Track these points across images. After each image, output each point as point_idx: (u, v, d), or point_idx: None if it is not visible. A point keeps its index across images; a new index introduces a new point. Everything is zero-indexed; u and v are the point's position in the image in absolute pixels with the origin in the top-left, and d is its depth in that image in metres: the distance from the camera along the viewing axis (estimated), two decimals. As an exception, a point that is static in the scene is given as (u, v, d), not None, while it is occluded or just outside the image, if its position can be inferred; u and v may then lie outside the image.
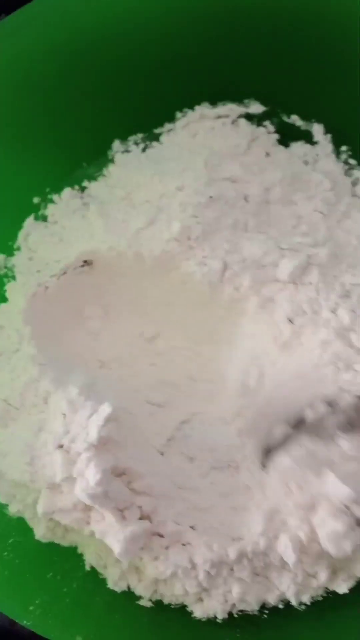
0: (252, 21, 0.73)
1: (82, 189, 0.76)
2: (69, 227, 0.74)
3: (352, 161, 0.75)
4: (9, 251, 0.75)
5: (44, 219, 0.75)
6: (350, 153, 0.75)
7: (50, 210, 0.75)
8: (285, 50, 0.74)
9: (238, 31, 0.74)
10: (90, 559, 0.67)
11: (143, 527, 0.62)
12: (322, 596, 0.65)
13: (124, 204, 0.74)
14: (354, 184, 0.74)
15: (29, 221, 0.75)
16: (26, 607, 0.64)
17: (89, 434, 0.62)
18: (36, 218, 0.75)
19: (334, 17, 0.73)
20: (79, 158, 0.76)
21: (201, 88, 0.76)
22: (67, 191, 0.76)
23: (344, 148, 0.75)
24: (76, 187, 0.76)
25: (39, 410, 0.67)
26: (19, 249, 0.75)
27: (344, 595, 0.65)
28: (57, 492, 0.64)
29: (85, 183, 0.76)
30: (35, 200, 0.75)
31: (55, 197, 0.75)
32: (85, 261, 0.73)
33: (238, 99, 0.76)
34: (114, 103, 0.76)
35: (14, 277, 0.74)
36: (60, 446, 0.63)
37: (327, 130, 0.75)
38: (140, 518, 0.63)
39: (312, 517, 0.62)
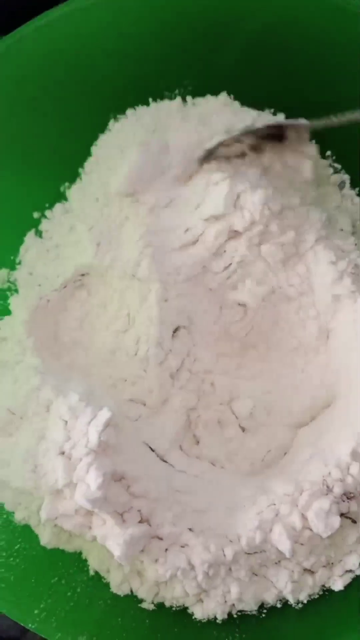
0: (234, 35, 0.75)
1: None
2: (62, 243, 0.76)
3: (337, 165, 0.76)
4: (12, 265, 0.76)
5: (41, 234, 0.77)
6: (334, 157, 0.76)
7: (44, 226, 0.77)
8: (269, 61, 0.76)
9: (223, 41, 0.76)
10: (94, 564, 0.68)
11: (142, 530, 0.64)
12: (318, 594, 0.67)
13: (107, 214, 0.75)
14: (340, 187, 0.76)
15: (30, 236, 0.76)
16: (31, 610, 0.65)
17: (89, 439, 0.64)
18: (36, 233, 0.77)
19: (311, 28, 0.75)
20: (76, 173, 0.78)
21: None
22: (58, 206, 0.77)
23: (328, 153, 0.76)
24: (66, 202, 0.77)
25: (41, 419, 0.68)
26: (20, 263, 0.76)
27: (340, 592, 0.66)
28: (60, 498, 0.66)
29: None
30: (35, 215, 0.77)
31: (48, 212, 0.77)
32: (83, 274, 0.75)
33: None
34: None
35: (17, 290, 0.76)
36: (62, 453, 0.65)
37: (312, 137, 0.75)
38: (140, 521, 0.65)
39: (299, 501, 0.64)
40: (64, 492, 0.65)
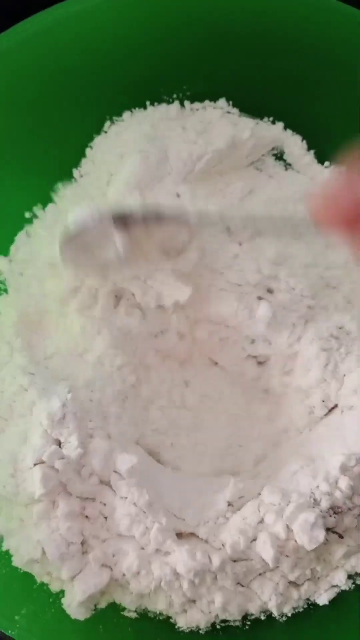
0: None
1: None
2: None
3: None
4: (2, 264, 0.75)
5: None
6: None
7: (34, 225, 0.76)
8: (269, 68, 0.76)
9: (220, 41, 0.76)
10: (77, 570, 0.68)
11: (103, 583, 0.64)
12: (302, 607, 0.66)
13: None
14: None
15: (21, 236, 0.75)
16: (12, 617, 0.64)
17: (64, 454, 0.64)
18: (27, 234, 0.76)
19: (311, 35, 0.75)
20: (70, 174, 0.77)
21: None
22: (51, 207, 0.76)
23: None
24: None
25: (25, 421, 0.68)
26: (10, 263, 0.75)
27: (324, 607, 0.66)
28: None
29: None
30: (27, 215, 0.76)
31: (40, 212, 0.76)
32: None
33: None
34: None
35: (6, 291, 0.75)
36: (41, 462, 0.64)
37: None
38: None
39: (285, 512, 0.64)
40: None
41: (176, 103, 0.77)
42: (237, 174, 0.78)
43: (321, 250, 0.75)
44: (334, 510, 0.65)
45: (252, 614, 0.66)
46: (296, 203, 0.76)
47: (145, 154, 0.73)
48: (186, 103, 0.77)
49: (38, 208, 0.76)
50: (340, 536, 0.66)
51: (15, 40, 0.73)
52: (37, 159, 0.76)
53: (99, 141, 0.77)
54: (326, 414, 0.72)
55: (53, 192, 0.76)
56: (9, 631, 0.64)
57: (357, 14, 0.74)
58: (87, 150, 0.77)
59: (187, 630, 0.66)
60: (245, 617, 0.67)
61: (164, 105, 0.77)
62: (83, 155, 0.77)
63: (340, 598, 0.67)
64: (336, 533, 0.66)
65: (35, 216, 0.76)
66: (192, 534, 0.66)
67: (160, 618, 0.66)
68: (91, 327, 0.71)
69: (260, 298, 0.71)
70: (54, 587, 0.65)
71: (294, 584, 0.66)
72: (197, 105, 0.78)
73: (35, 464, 0.64)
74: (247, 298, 0.71)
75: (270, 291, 0.72)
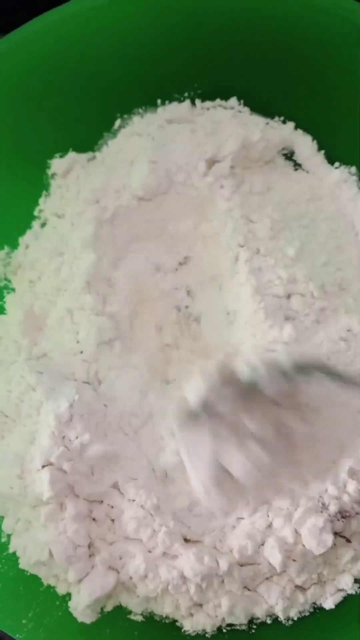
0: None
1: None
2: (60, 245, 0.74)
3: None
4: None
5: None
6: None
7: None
8: (279, 67, 0.76)
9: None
10: (84, 572, 0.68)
11: (110, 586, 0.64)
12: (309, 611, 0.66)
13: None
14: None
15: (29, 234, 0.76)
16: (19, 620, 0.64)
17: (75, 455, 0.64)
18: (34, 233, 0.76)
19: (320, 35, 0.75)
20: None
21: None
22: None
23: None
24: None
25: (33, 422, 0.67)
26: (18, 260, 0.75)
27: (331, 610, 0.66)
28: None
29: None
30: (36, 212, 0.76)
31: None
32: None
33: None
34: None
35: (14, 289, 0.75)
36: (50, 463, 0.64)
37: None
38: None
39: (293, 516, 0.64)
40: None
41: (187, 101, 0.77)
42: (252, 170, 0.78)
43: (332, 250, 0.75)
44: (342, 514, 0.65)
45: (258, 618, 0.66)
46: (307, 203, 0.76)
47: (154, 163, 0.73)
48: (197, 102, 0.77)
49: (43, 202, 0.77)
50: (348, 540, 0.66)
51: (23, 37, 0.74)
52: (47, 155, 0.77)
53: (109, 145, 0.77)
54: None
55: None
56: (17, 634, 0.64)
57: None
58: (98, 154, 0.77)
59: (193, 634, 0.66)
60: (251, 621, 0.66)
61: (174, 104, 0.77)
62: (92, 150, 0.77)
63: (347, 602, 0.67)
64: (344, 537, 0.66)
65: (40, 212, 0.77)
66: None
67: (167, 621, 0.66)
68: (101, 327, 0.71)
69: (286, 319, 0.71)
70: (61, 590, 0.65)
71: (301, 588, 0.66)
72: (208, 104, 0.77)
73: (43, 466, 0.64)
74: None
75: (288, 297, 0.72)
